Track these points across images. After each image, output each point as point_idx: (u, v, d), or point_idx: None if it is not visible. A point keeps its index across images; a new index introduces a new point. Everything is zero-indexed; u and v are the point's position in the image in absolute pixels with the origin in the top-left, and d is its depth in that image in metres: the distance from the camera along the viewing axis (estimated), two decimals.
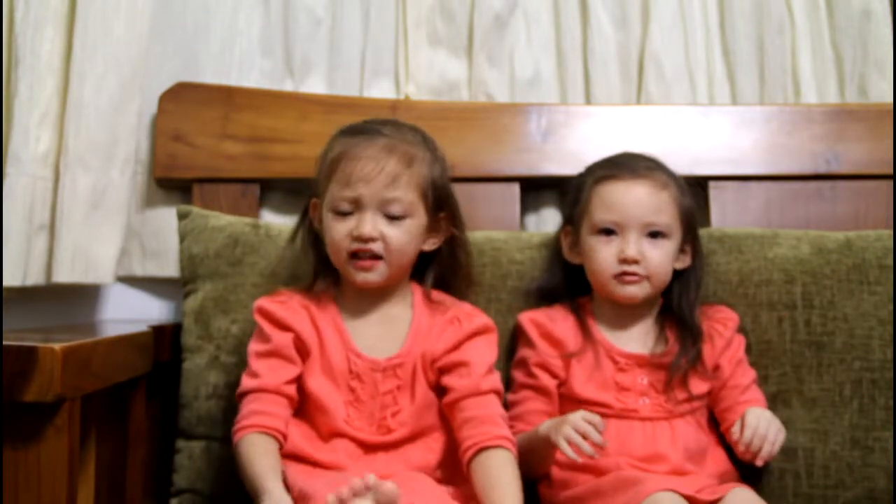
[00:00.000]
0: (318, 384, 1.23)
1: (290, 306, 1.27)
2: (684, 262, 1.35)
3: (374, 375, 1.23)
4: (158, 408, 1.43)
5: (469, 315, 1.29)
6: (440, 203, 1.28)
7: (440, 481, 1.21)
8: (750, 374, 1.35)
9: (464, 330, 1.26)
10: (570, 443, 1.16)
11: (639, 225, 1.29)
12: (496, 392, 1.24)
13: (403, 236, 1.23)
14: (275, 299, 1.28)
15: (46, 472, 1.01)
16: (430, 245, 1.29)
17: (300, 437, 1.23)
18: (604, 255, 1.30)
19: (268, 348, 1.24)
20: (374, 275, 1.24)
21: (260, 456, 1.16)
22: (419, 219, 1.25)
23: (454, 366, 1.24)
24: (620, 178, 1.32)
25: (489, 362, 1.25)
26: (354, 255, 1.23)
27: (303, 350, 1.25)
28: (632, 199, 1.30)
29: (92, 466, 1.24)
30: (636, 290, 1.30)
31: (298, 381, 1.24)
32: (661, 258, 1.30)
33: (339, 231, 1.23)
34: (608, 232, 1.31)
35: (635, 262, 1.29)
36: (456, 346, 1.25)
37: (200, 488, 1.38)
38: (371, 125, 1.27)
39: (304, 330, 1.25)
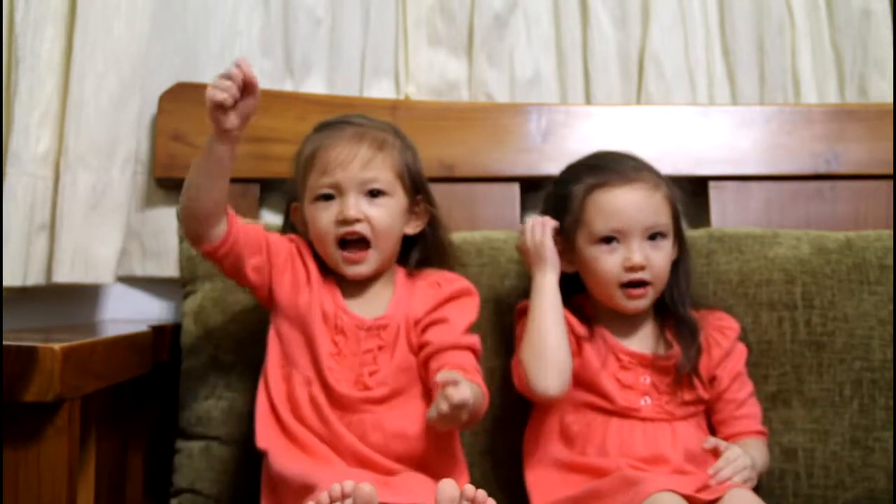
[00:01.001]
0: (316, 319, 1.24)
1: (312, 259, 1.30)
2: (674, 255, 1.34)
3: (358, 333, 1.25)
4: (158, 408, 1.43)
5: (450, 280, 1.32)
6: (416, 186, 1.30)
7: (420, 454, 1.23)
8: (747, 388, 1.34)
9: (444, 291, 1.29)
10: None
11: (641, 230, 1.29)
12: (473, 349, 1.26)
13: (387, 216, 1.26)
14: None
15: (46, 472, 1.01)
16: (413, 228, 1.31)
17: (277, 394, 1.24)
18: (608, 265, 1.29)
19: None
20: (365, 266, 1.26)
21: None
22: (399, 199, 1.28)
23: (434, 322, 1.27)
24: (614, 184, 1.30)
25: (468, 322, 1.28)
26: (342, 244, 1.25)
27: (300, 274, 1.28)
28: (631, 204, 1.29)
29: (92, 466, 1.24)
30: (643, 304, 1.30)
31: (294, 301, 1.26)
32: (663, 260, 1.30)
33: (323, 218, 1.25)
34: (609, 240, 1.30)
35: (642, 268, 1.28)
36: (437, 307, 1.28)
37: (200, 488, 1.38)
38: (340, 119, 1.32)
39: (309, 267, 1.28)
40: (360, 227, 1.24)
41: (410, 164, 1.30)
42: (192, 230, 1.23)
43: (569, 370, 1.26)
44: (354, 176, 1.24)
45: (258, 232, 1.27)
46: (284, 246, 1.29)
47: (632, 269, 1.28)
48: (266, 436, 1.23)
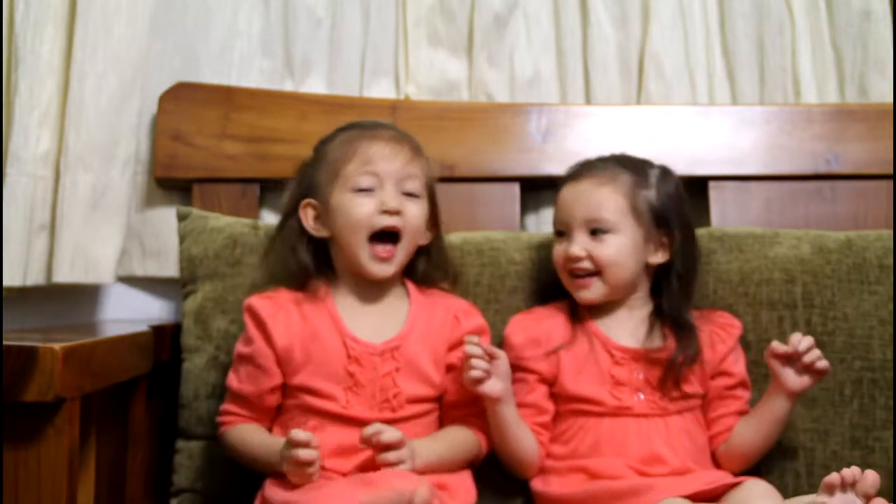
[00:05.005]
0: (312, 377, 1.24)
1: (278, 302, 1.28)
2: (660, 258, 1.33)
3: (372, 359, 1.25)
4: (158, 408, 1.43)
5: (467, 313, 1.33)
6: (433, 199, 1.32)
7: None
8: (748, 394, 1.34)
9: (462, 329, 1.30)
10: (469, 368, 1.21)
11: (580, 223, 1.31)
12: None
13: (419, 215, 1.28)
14: (263, 297, 1.29)
15: (46, 472, 1.01)
16: (425, 239, 1.32)
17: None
18: (556, 256, 1.34)
19: (249, 352, 1.27)
20: (391, 267, 1.27)
21: (253, 432, 1.27)
22: (425, 205, 1.30)
23: (451, 367, 1.29)
24: (570, 180, 1.35)
25: None
26: (374, 239, 1.25)
27: (284, 358, 1.25)
28: (572, 198, 1.33)
29: (92, 466, 1.25)
30: (587, 294, 1.32)
31: (286, 382, 1.26)
32: (609, 253, 1.30)
33: (363, 207, 1.25)
34: (560, 233, 1.34)
35: (578, 259, 1.30)
36: (454, 346, 1.29)
37: (200, 488, 1.38)
38: (369, 121, 1.34)
39: (285, 335, 1.25)
40: (397, 221, 1.25)
41: (434, 177, 1.33)
42: None
43: None
44: (397, 170, 1.26)
45: (265, 386, 1.26)
46: (272, 351, 1.26)
47: (568, 260, 1.31)
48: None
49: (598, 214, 1.30)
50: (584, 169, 1.36)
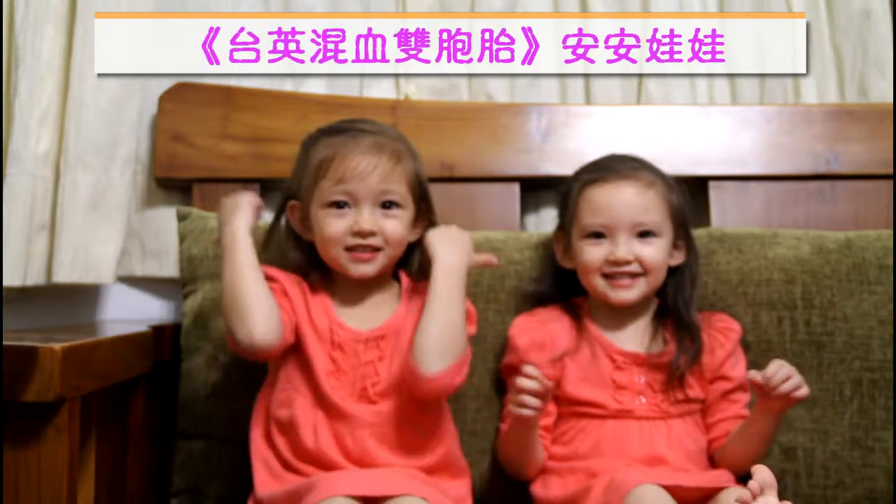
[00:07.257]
0: (310, 339, 1.24)
1: (290, 278, 1.28)
2: (678, 259, 1.35)
3: (356, 346, 1.24)
4: (158, 408, 1.43)
5: None
6: (423, 194, 1.30)
7: (423, 461, 1.23)
8: (747, 397, 1.33)
9: None
10: (521, 405, 1.20)
11: (628, 226, 1.30)
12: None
13: (399, 228, 1.25)
14: (279, 269, 1.29)
15: (46, 472, 1.02)
16: (414, 235, 1.31)
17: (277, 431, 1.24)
18: (592, 258, 1.31)
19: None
20: (372, 266, 1.25)
21: None
22: (410, 211, 1.28)
23: None
24: (606, 181, 1.32)
25: None
26: (351, 249, 1.24)
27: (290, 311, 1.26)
28: (618, 200, 1.30)
29: (92, 466, 1.24)
30: (628, 295, 1.30)
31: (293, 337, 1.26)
32: (655, 255, 1.30)
33: (336, 226, 1.24)
34: (597, 235, 1.31)
35: (627, 262, 1.29)
36: None
37: (200, 488, 1.38)
38: (350, 124, 1.30)
39: (296, 297, 1.26)
40: (374, 240, 1.24)
41: (420, 175, 1.30)
42: (241, 333, 1.20)
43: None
44: (372, 188, 1.23)
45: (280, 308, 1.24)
46: (286, 293, 1.26)
47: (615, 262, 1.29)
48: (264, 483, 1.24)
49: (646, 218, 1.30)
50: (617, 173, 1.33)
